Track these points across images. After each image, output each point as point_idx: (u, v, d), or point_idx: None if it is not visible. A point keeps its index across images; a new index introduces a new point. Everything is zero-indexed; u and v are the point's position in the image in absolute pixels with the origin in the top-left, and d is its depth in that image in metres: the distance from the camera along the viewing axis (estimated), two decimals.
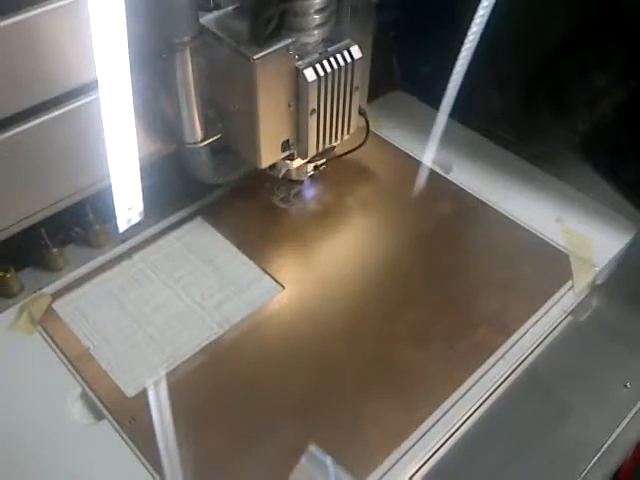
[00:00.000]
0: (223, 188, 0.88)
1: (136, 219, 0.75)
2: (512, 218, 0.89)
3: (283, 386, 0.71)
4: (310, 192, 0.88)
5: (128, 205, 0.74)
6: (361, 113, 0.80)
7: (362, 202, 0.89)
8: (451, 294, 0.81)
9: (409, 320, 0.78)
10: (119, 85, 0.63)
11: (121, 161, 0.68)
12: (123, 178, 0.69)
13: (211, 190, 0.88)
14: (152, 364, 0.73)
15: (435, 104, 0.92)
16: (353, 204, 0.89)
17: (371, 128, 0.85)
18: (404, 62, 0.98)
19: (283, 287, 0.80)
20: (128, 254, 0.82)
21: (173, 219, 0.87)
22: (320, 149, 0.77)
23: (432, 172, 0.93)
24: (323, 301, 0.79)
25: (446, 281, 0.82)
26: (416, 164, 0.94)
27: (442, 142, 0.95)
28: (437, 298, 0.80)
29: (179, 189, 0.86)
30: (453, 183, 0.93)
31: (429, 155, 0.94)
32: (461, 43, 0.81)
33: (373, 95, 0.86)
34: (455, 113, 0.91)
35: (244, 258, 0.83)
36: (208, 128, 0.73)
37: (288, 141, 0.75)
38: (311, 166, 0.84)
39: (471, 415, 0.72)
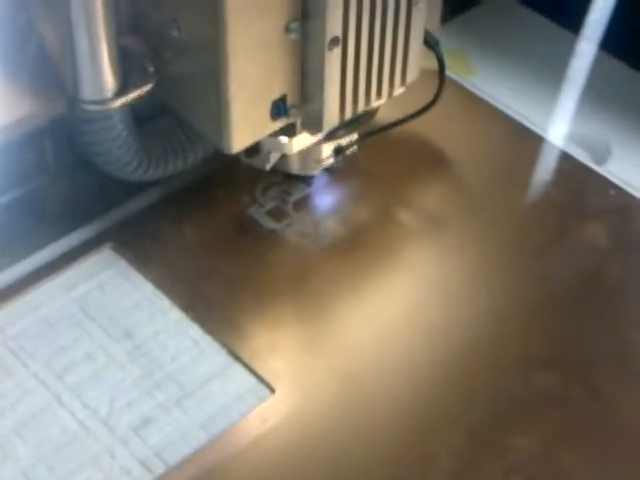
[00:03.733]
0: (156, 190, 0.71)
1: None
2: None
3: None
4: (326, 199, 0.73)
5: None
6: (430, 45, 0.68)
7: (428, 220, 0.73)
8: (607, 408, 0.62)
9: (522, 450, 0.60)
10: None
11: None
12: None
13: (132, 194, 0.70)
14: None
15: (568, 22, 0.81)
16: (410, 223, 0.73)
17: (449, 72, 0.69)
18: None
19: (272, 390, 0.61)
20: None
21: (56, 250, 0.68)
22: (348, 114, 0.65)
23: (570, 161, 0.75)
24: (351, 417, 0.61)
25: (600, 382, 0.63)
26: (538, 144, 0.76)
27: (588, 99, 0.79)
28: (578, 414, 0.62)
29: (69, 192, 0.70)
30: (613, 185, 0.74)
31: (563, 126, 0.78)
32: None
33: (454, 7, 0.77)
34: (608, 41, 0.78)
35: (195, 329, 0.64)
36: (129, 73, 0.61)
37: (285, 99, 0.63)
38: (330, 148, 0.70)
39: None
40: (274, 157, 0.68)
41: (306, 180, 0.73)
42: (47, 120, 0.63)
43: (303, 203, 0.72)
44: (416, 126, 0.73)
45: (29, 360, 0.62)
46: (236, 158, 0.67)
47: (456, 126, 0.78)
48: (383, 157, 0.75)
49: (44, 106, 0.62)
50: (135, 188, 0.70)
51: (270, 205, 0.71)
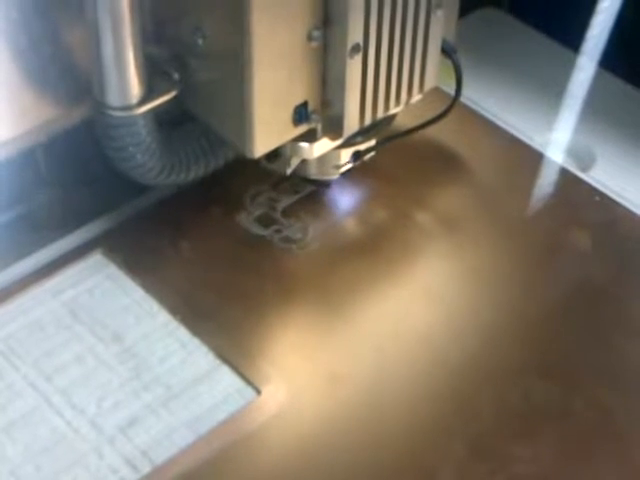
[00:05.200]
0: (146, 197, 0.71)
1: None
2: None
3: None
4: (341, 202, 0.74)
5: None
6: (447, 53, 0.68)
7: (438, 219, 0.73)
8: (604, 417, 0.61)
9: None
10: None
11: None
12: None
13: (122, 201, 0.70)
14: None
15: (556, 32, 0.83)
16: (426, 224, 0.73)
17: (440, 85, 0.69)
18: None
19: (258, 391, 0.61)
20: None
21: (46, 255, 0.68)
22: (368, 120, 0.66)
23: (558, 169, 0.76)
24: (340, 422, 0.60)
25: (597, 392, 0.62)
26: (527, 153, 0.77)
27: (577, 110, 0.79)
28: (578, 425, 0.61)
29: (59, 198, 0.69)
30: (597, 191, 0.74)
31: (551, 135, 0.79)
32: None
33: None
34: (598, 52, 0.78)
35: (182, 332, 0.64)
36: (153, 81, 0.62)
37: (306, 105, 0.64)
38: (348, 153, 0.70)
39: None
40: (295, 162, 0.68)
41: (323, 184, 0.73)
42: (69, 125, 0.62)
43: (291, 210, 0.71)
44: (431, 132, 0.73)
45: (19, 362, 0.62)
46: (224, 165, 0.67)
47: (445, 137, 0.77)
48: (398, 161, 0.75)
49: (66, 111, 0.62)
50: (125, 195, 0.69)
51: (258, 212, 0.70)
